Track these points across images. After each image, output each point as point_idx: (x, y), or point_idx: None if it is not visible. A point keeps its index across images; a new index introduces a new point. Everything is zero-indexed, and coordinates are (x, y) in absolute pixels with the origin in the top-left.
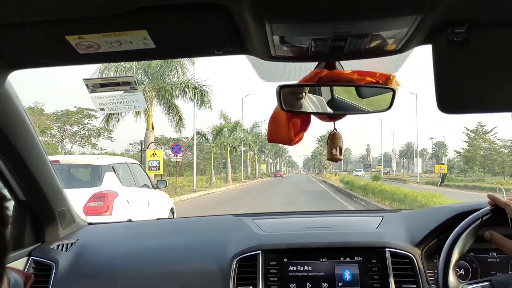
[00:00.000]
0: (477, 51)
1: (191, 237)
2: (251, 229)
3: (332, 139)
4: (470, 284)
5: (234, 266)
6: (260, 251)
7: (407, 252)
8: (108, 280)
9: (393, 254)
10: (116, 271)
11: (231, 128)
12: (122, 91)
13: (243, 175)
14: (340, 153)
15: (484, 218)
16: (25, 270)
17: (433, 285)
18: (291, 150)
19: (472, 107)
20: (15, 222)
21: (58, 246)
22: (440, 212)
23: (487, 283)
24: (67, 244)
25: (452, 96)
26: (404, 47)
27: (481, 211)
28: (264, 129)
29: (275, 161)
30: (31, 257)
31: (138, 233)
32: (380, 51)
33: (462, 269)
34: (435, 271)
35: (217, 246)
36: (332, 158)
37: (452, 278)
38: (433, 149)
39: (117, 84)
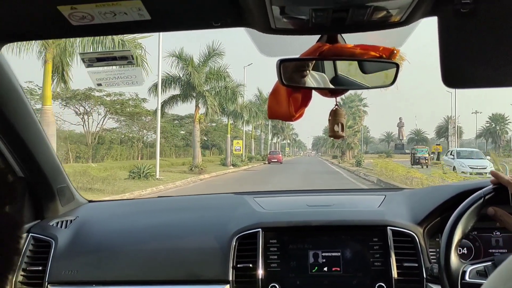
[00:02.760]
0: (484, 23)
1: (192, 215)
2: (252, 207)
3: (334, 116)
4: (472, 264)
5: (234, 243)
6: (260, 229)
7: (409, 230)
8: (108, 256)
9: (394, 233)
10: (116, 248)
11: None
12: (119, 66)
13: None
14: (342, 129)
15: (487, 197)
16: (24, 247)
17: (435, 264)
18: (297, 129)
19: (479, 81)
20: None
21: (57, 223)
22: (443, 190)
23: (489, 263)
24: (67, 221)
25: (458, 70)
26: (408, 19)
27: (483, 189)
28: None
29: (276, 140)
30: (30, 234)
31: (139, 211)
32: (384, 24)
33: (465, 248)
34: (438, 249)
35: (218, 223)
36: (334, 135)
37: (454, 258)
38: (488, 125)
39: (114, 58)
